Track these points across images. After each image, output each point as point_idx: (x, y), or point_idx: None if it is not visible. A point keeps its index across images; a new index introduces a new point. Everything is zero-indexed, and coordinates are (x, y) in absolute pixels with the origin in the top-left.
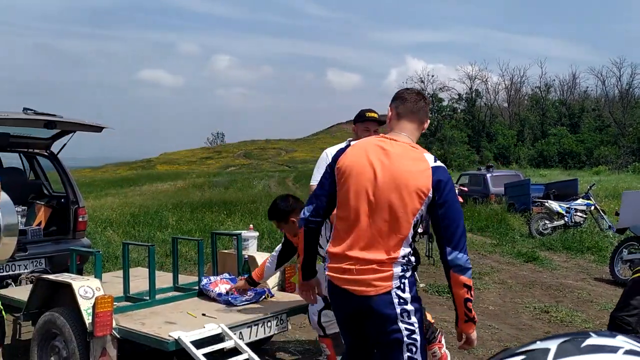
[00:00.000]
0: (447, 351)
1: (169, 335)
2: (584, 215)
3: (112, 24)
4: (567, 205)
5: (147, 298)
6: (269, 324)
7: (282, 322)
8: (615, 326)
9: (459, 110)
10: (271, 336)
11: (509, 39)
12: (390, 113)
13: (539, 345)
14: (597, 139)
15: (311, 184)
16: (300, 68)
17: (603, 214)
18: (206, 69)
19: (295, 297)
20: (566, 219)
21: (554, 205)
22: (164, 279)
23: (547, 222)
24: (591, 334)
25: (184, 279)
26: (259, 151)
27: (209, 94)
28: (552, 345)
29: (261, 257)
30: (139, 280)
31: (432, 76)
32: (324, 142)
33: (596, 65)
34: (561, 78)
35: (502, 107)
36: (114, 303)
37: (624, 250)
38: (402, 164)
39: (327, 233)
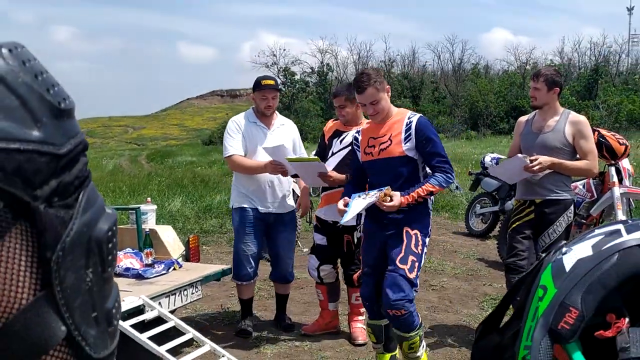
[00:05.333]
0: None
1: None
2: None
3: None
4: None
5: None
6: (185, 292)
7: (197, 289)
8: (512, 270)
9: (311, 84)
10: (175, 310)
11: (355, 16)
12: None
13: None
14: (436, 110)
15: (231, 153)
16: (149, 41)
17: None
18: (43, 40)
19: (204, 266)
20: None
21: None
22: None
23: None
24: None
25: None
26: (102, 129)
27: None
28: (619, 226)
29: (163, 230)
30: None
31: (284, 50)
32: (173, 118)
33: (432, 41)
34: (403, 53)
35: (352, 81)
36: None
37: (476, 205)
38: None
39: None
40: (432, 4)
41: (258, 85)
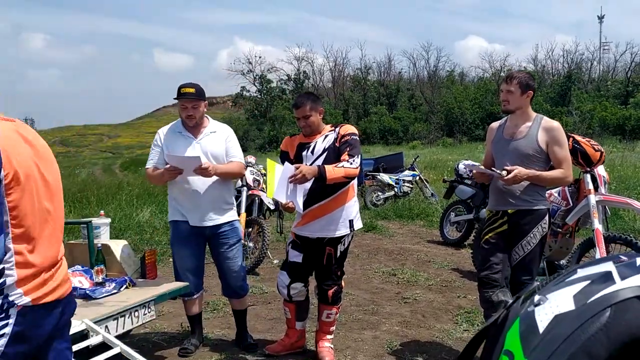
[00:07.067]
0: None
1: None
2: (411, 185)
3: None
4: (397, 177)
5: None
6: (136, 313)
7: (150, 310)
8: (485, 284)
9: (287, 91)
10: (131, 330)
11: (331, 23)
12: None
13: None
14: (412, 117)
15: (147, 167)
16: (125, 48)
17: (426, 183)
18: (16, 48)
19: (159, 284)
20: (396, 189)
21: (385, 177)
22: None
23: (379, 193)
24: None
25: None
26: (77, 138)
27: (18, 77)
28: (609, 267)
29: (116, 245)
30: None
31: (260, 57)
32: (150, 126)
33: (408, 48)
34: (378, 60)
35: (328, 88)
36: None
37: (451, 213)
38: None
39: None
40: (408, 12)
41: (177, 93)
